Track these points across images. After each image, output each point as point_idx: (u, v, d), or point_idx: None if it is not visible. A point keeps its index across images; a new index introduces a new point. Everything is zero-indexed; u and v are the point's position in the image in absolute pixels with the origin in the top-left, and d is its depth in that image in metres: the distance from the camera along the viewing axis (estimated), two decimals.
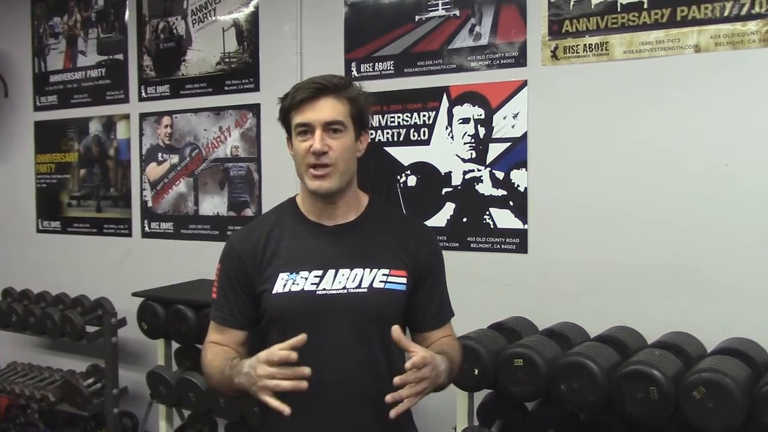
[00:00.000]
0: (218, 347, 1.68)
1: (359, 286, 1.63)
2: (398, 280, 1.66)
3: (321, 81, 1.62)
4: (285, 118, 1.67)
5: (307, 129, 1.61)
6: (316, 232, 1.68)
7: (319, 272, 1.63)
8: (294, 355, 1.43)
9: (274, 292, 1.63)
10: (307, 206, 1.70)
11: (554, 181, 2.95)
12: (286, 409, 1.44)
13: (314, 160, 1.59)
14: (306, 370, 1.44)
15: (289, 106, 1.63)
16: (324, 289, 1.62)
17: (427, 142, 3.24)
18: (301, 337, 1.45)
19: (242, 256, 1.68)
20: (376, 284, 1.63)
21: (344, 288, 1.62)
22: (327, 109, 1.60)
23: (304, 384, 1.44)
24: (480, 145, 3.11)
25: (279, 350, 1.45)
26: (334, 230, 1.68)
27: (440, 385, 1.58)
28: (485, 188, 3.10)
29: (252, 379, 1.47)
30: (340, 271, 1.64)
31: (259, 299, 1.67)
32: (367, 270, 1.64)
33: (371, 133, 3.25)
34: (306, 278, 1.63)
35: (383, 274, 1.65)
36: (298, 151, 1.62)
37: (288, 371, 1.44)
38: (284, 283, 1.63)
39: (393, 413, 1.48)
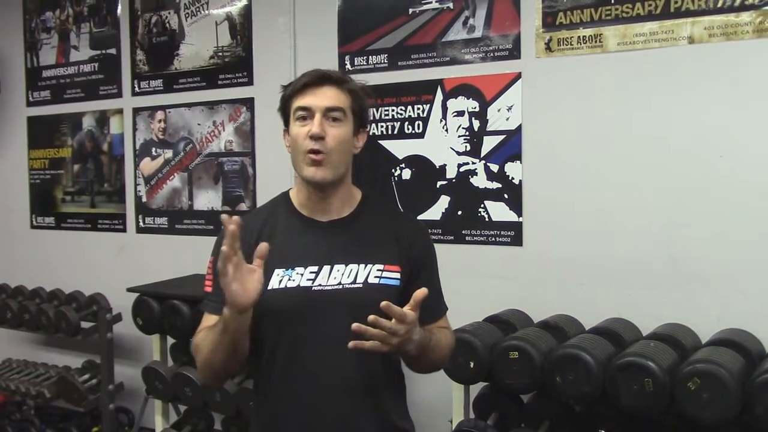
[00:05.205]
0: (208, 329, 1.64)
1: (354, 282, 1.62)
2: (392, 275, 1.65)
3: (324, 71, 1.65)
4: (285, 105, 1.67)
5: (306, 114, 1.61)
6: (310, 228, 1.67)
7: (315, 268, 1.63)
8: (232, 223, 1.41)
9: (269, 287, 1.61)
10: (301, 200, 1.70)
11: (549, 173, 2.95)
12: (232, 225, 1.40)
13: (311, 144, 1.58)
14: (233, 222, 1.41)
15: (291, 92, 1.64)
16: (320, 285, 1.61)
17: (421, 135, 3.24)
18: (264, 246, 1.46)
19: None
20: (371, 279, 1.63)
21: (339, 284, 1.62)
22: (329, 96, 1.61)
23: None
24: (474, 138, 3.10)
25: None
26: (328, 226, 1.68)
27: (406, 351, 1.53)
28: (480, 181, 3.10)
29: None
30: (335, 266, 1.63)
31: None
32: (362, 265, 1.63)
33: None
34: (301, 274, 1.62)
35: (378, 270, 1.64)
36: (295, 138, 1.62)
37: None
38: (279, 278, 1.62)
39: (352, 345, 1.45)
